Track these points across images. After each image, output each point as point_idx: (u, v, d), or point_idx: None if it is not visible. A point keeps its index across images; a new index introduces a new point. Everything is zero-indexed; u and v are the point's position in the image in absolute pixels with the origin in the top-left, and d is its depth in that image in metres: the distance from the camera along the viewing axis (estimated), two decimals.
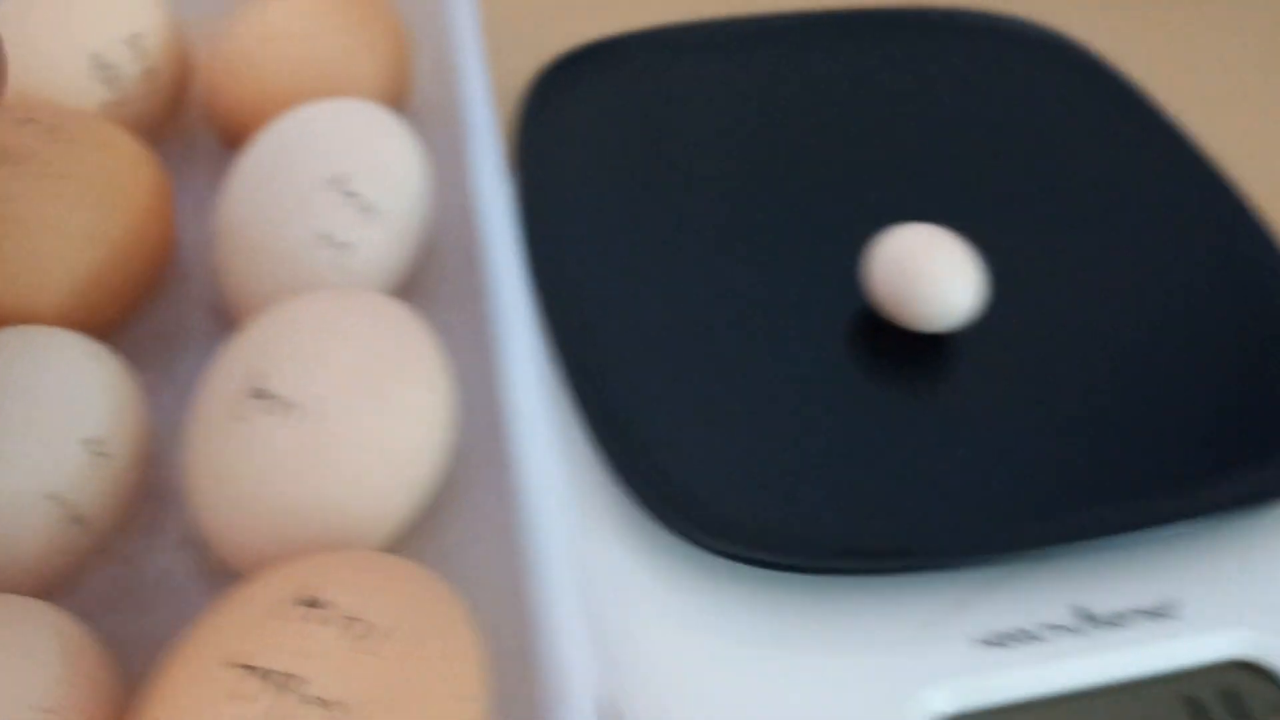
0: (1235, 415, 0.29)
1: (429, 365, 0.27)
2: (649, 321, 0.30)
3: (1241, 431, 0.29)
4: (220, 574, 0.27)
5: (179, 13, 0.38)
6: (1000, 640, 0.26)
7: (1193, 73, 0.49)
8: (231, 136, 0.36)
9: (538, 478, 0.23)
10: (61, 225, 0.30)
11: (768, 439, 0.28)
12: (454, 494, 0.29)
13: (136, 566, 0.28)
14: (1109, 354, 0.30)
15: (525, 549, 0.22)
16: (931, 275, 0.29)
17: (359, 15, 0.36)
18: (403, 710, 0.20)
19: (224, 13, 0.38)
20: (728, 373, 0.29)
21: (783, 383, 0.29)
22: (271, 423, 0.25)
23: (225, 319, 0.32)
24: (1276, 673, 0.26)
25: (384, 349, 0.27)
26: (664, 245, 0.32)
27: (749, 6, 0.41)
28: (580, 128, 0.35)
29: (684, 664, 0.25)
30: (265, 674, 0.20)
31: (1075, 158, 0.36)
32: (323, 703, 0.19)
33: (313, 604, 0.21)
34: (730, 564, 0.26)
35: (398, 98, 0.37)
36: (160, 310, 0.33)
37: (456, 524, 0.28)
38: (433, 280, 0.34)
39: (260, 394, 0.25)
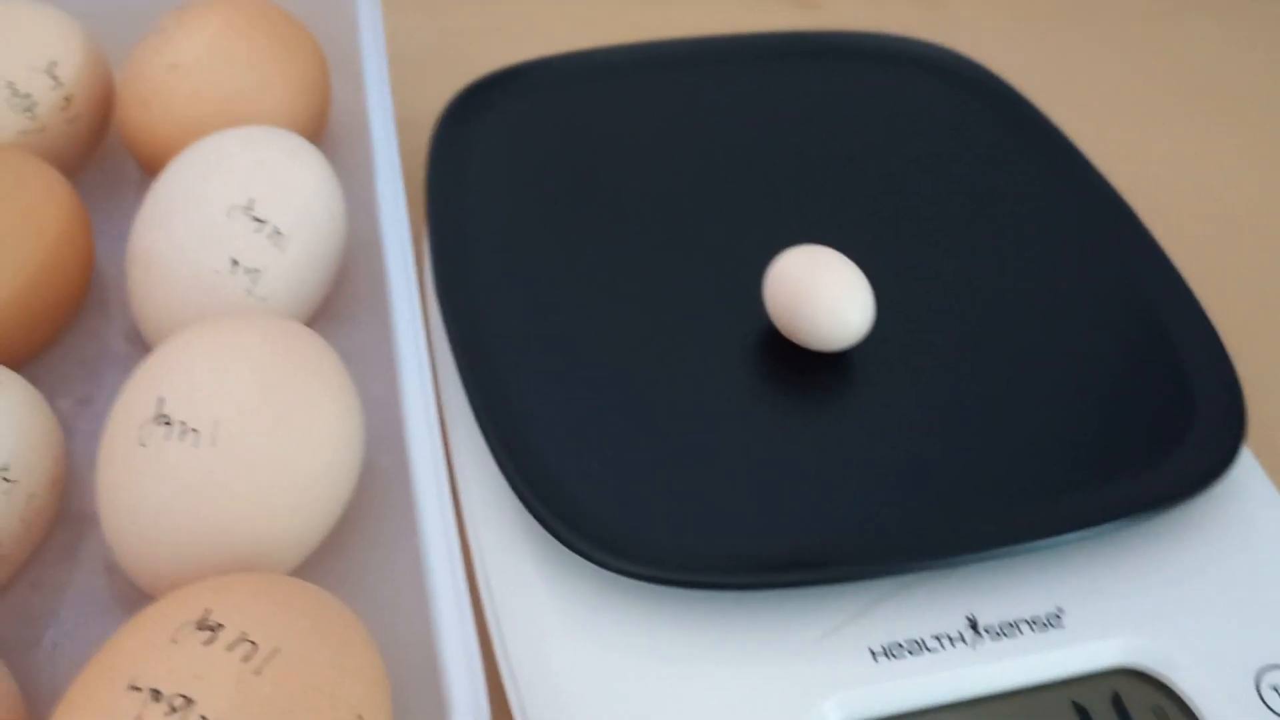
0: (1118, 427, 0.30)
1: (335, 388, 0.28)
2: (554, 341, 0.31)
3: (1124, 443, 0.30)
4: (134, 597, 0.27)
5: (101, 39, 0.38)
6: (895, 651, 0.26)
7: (1093, 94, 0.50)
8: (150, 163, 0.36)
9: (428, 497, 0.23)
10: None
11: (668, 457, 0.28)
12: (363, 515, 0.29)
13: (52, 591, 0.28)
14: (998, 369, 0.31)
15: (421, 568, 0.22)
16: (823, 297, 0.30)
17: (272, 42, 0.37)
18: None
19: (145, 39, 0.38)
20: (631, 392, 0.30)
21: (685, 401, 0.30)
22: (174, 448, 0.25)
23: (143, 345, 0.32)
24: (1161, 678, 0.27)
25: (288, 373, 0.27)
26: (570, 266, 0.33)
27: (656, 32, 0.41)
28: (491, 152, 0.36)
29: (588, 680, 0.26)
30: (159, 696, 0.20)
31: (974, 176, 0.37)
32: None
33: (208, 627, 0.21)
34: (631, 581, 0.26)
35: (314, 124, 0.38)
36: (80, 336, 0.34)
37: (364, 545, 0.29)
38: (346, 304, 0.35)
39: (163, 420, 0.25)
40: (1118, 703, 0.27)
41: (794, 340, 0.31)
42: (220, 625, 0.21)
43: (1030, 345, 0.32)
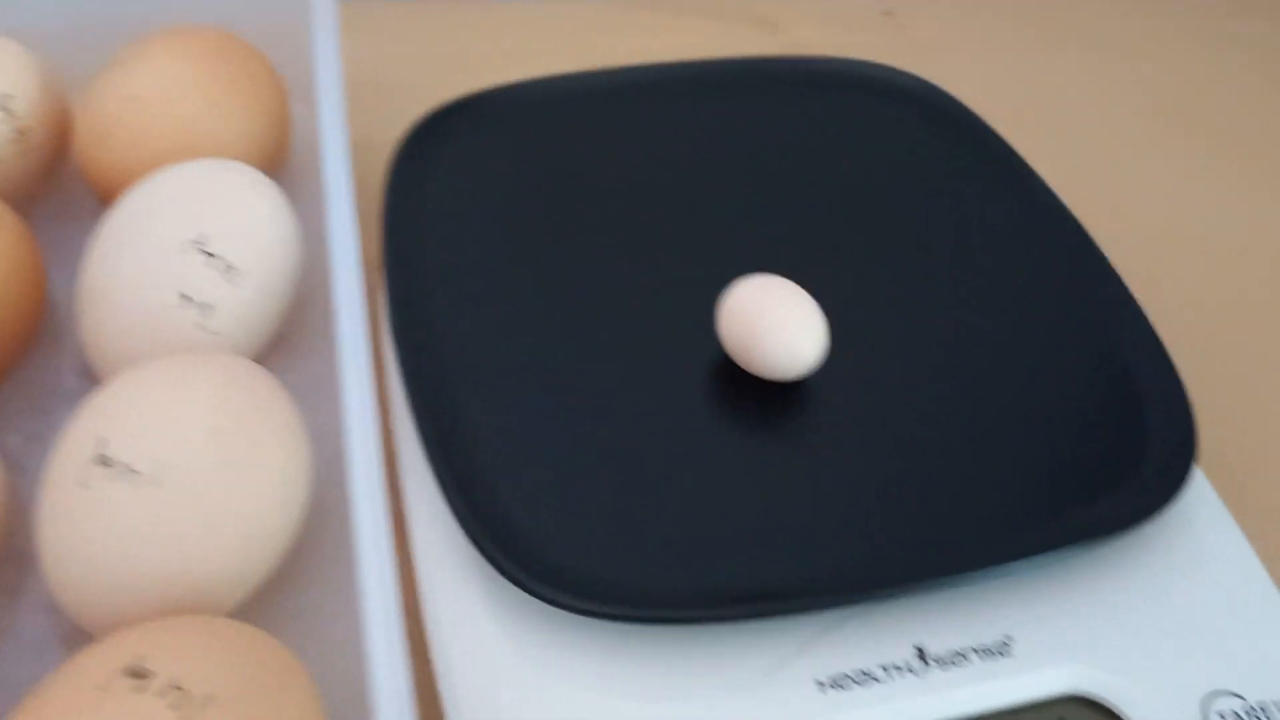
0: (1068, 454, 0.30)
1: (283, 428, 0.28)
2: (508, 372, 0.31)
3: (1074, 470, 0.30)
4: (78, 636, 0.27)
5: (59, 69, 0.38)
6: (843, 682, 0.26)
7: (1055, 117, 0.51)
8: (107, 195, 0.36)
9: (366, 532, 0.23)
10: None
11: (619, 490, 0.28)
12: (311, 553, 0.29)
13: None
14: (949, 398, 0.31)
15: (359, 607, 0.22)
16: (775, 327, 0.30)
17: (231, 72, 0.37)
18: None
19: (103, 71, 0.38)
20: (584, 424, 0.30)
21: (636, 433, 0.30)
22: (116, 489, 0.25)
23: (94, 380, 0.32)
24: (1108, 704, 0.27)
25: (236, 413, 0.27)
26: (526, 296, 0.33)
27: (617, 58, 0.41)
28: (450, 181, 0.36)
29: (535, 715, 0.26)
30: None
31: (931, 203, 0.37)
32: None
33: (137, 674, 0.21)
34: (576, 616, 0.26)
35: (274, 154, 0.38)
36: (32, 370, 0.34)
37: (309, 584, 0.29)
38: (303, 336, 0.35)
39: (105, 460, 0.25)
40: None
41: (748, 370, 0.31)
42: (151, 672, 0.21)
43: (981, 373, 0.32)
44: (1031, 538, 0.28)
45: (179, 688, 0.21)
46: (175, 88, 0.35)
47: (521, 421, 0.30)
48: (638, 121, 0.39)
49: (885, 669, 0.27)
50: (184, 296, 0.31)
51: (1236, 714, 0.27)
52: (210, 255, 0.31)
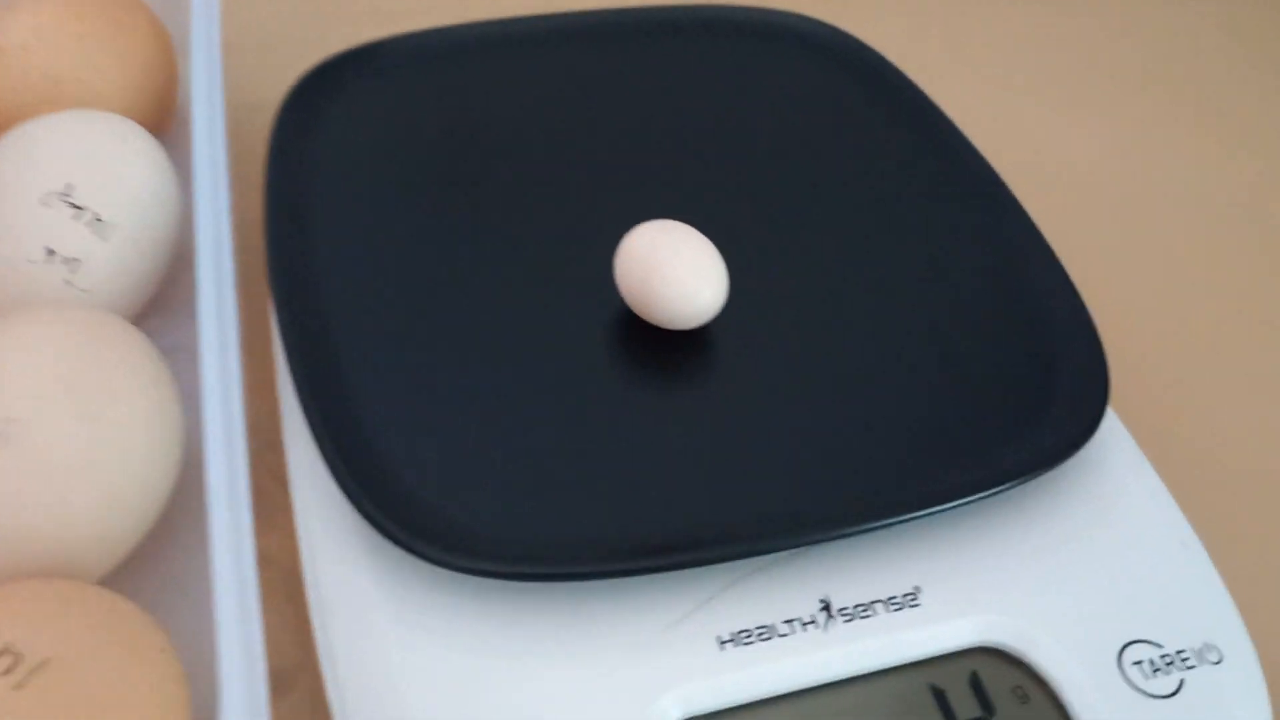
0: (977, 398, 0.29)
1: (149, 384, 0.26)
2: (394, 328, 0.29)
3: (983, 415, 0.29)
4: None
5: None
6: (744, 639, 0.25)
7: (973, 68, 0.50)
8: None
9: (219, 495, 0.22)
10: None
11: (507, 443, 0.27)
12: (186, 518, 0.27)
13: None
14: (853, 344, 0.30)
15: (210, 569, 0.21)
16: (674, 274, 0.28)
17: (107, 24, 0.35)
18: None
19: None
20: (473, 378, 0.28)
21: (528, 386, 0.28)
22: None
23: None
24: (1020, 656, 0.26)
25: (99, 368, 0.25)
26: (415, 251, 0.31)
27: (513, 9, 0.40)
28: (337, 136, 0.34)
29: (418, 679, 0.24)
30: None
31: (838, 149, 0.36)
32: None
33: None
34: (461, 575, 0.25)
35: (156, 110, 0.36)
36: None
37: (183, 551, 0.27)
38: (183, 300, 0.33)
39: None
40: (976, 683, 0.26)
41: (646, 319, 0.29)
42: None
43: (887, 319, 0.31)
44: (940, 486, 0.27)
45: (11, 652, 0.19)
46: (47, 38, 0.34)
47: (408, 378, 0.28)
48: (532, 73, 0.37)
49: (789, 623, 0.26)
50: (48, 250, 0.29)
51: (1153, 661, 0.26)
52: (77, 207, 0.29)
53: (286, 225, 0.31)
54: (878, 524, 0.26)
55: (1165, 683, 0.26)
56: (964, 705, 0.25)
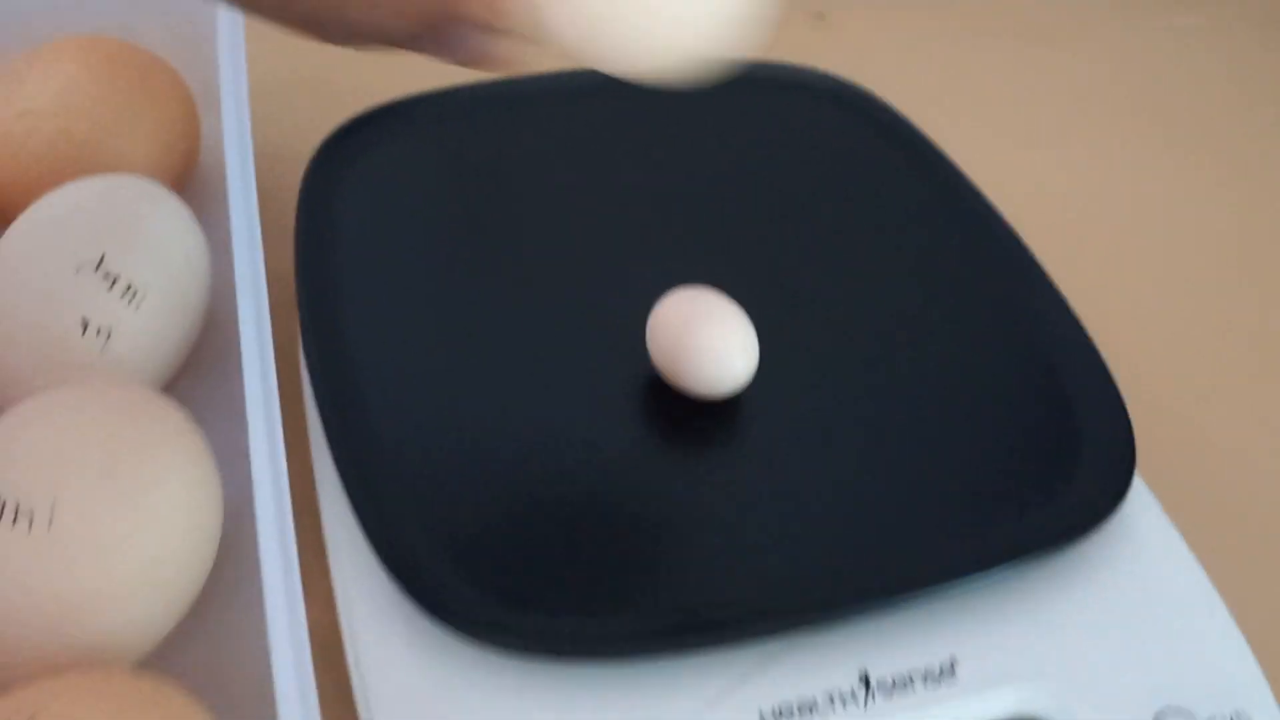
0: (1007, 469, 0.29)
1: (188, 463, 0.26)
2: (428, 394, 0.29)
3: (1014, 484, 0.29)
4: None
5: None
6: (787, 712, 0.25)
7: (983, 116, 0.50)
8: (3, 216, 0.34)
9: (273, 571, 0.22)
10: None
11: (545, 520, 0.27)
12: (222, 594, 0.27)
13: None
14: (885, 414, 0.30)
15: (268, 652, 0.21)
16: (706, 343, 0.29)
17: (132, 84, 0.35)
18: None
19: None
20: (508, 451, 0.28)
21: (562, 459, 0.28)
22: (3, 533, 0.23)
23: None
24: None
25: (138, 449, 0.25)
26: (447, 314, 0.31)
27: (539, 64, 0.40)
28: (365, 192, 0.34)
29: None
30: None
31: (861, 208, 0.36)
32: None
33: None
34: (507, 654, 0.25)
35: (181, 167, 0.36)
36: None
37: (221, 628, 0.27)
38: (215, 354, 0.33)
39: None
40: None
41: (677, 387, 0.30)
42: None
43: (916, 388, 0.31)
44: (973, 556, 0.27)
45: None
46: (75, 101, 0.34)
47: (443, 447, 0.28)
48: (558, 129, 0.37)
49: (830, 697, 0.26)
50: (83, 321, 0.29)
51: None
52: (110, 277, 0.29)
53: (318, 291, 0.31)
54: (916, 594, 0.26)
55: None
56: None
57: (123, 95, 0.35)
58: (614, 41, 0.22)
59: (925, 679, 0.26)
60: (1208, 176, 0.48)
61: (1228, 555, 0.31)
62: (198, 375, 0.32)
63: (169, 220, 0.31)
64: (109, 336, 0.29)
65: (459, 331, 0.31)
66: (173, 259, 0.31)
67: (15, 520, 0.23)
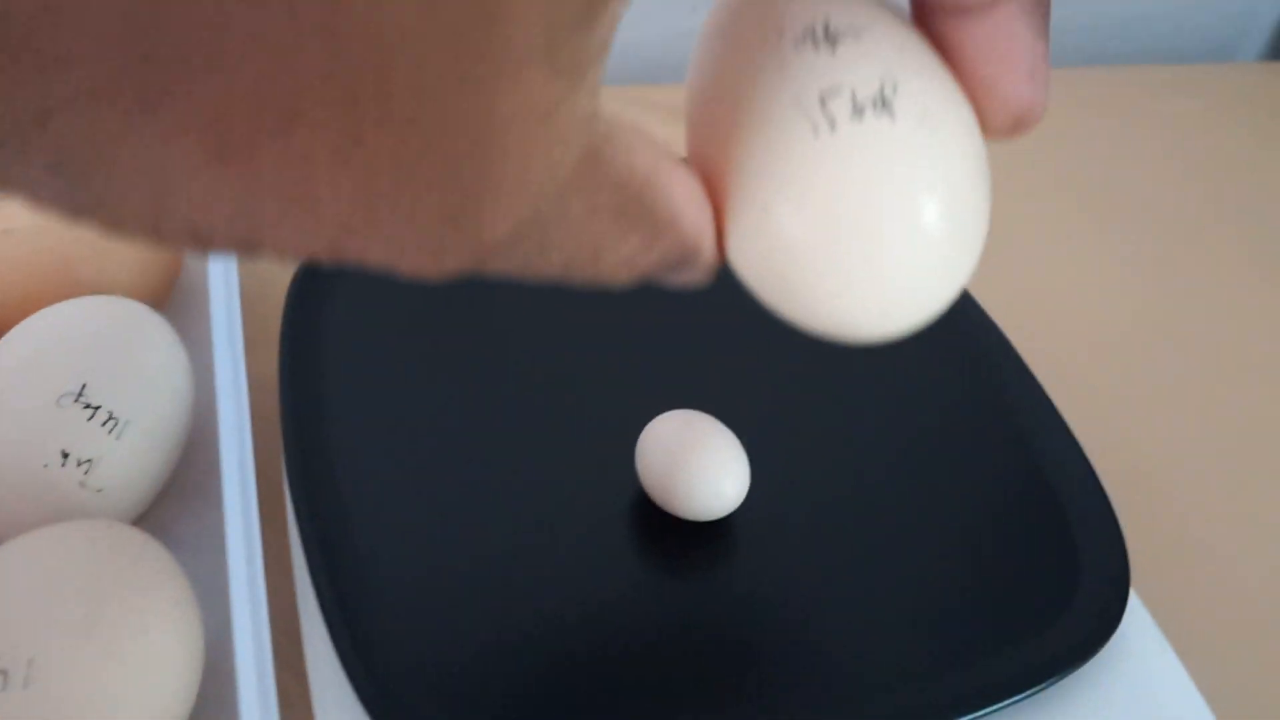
0: (996, 605, 0.29)
1: (171, 607, 0.26)
2: (414, 521, 0.29)
3: (1009, 615, 0.28)
4: None
5: None
6: None
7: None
8: None
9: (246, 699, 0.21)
10: None
11: (530, 653, 0.27)
12: None
13: None
14: (875, 541, 0.30)
15: None
16: (696, 466, 0.28)
17: None
18: None
19: None
20: (497, 580, 0.28)
21: (548, 587, 0.28)
22: None
23: None
24: None
25: (117, 595, 0.25)
26: (431, 440, 0.31)
27: None
28: (349, 316, 0.34)
29: None
30: None
31: None
32: None
33: None
34: None
35: (164, 283, 0.36)
36: None
37: None
38: (198, 477, 0.32)
39: None
40: None
41: (667, 510, 0.29)
42: None
43: (907, 512, 0.31)
44: (973, 690, 0.27)
45: None
46: (44, 219, 0.33)
47: (428, 578, 0.28)
48: None
49: None
50: (63, 454, 0.28)
51: None
52: (92, 407, 0.29)
53: (301, 418, 0.31)
54: None
55: None
56: None
57: None
58: (828, 310, 0.19)
59: None
60: (1190, 273, 0.48)
61: (1218, 662, 0.30)
62: (180, 496, 0.32)
63: (151, 344, 0.31)
64: (89, 467, 0.29)
65: (446, 454, 0.31)
66: (156, 385, 0.31)
67: None
